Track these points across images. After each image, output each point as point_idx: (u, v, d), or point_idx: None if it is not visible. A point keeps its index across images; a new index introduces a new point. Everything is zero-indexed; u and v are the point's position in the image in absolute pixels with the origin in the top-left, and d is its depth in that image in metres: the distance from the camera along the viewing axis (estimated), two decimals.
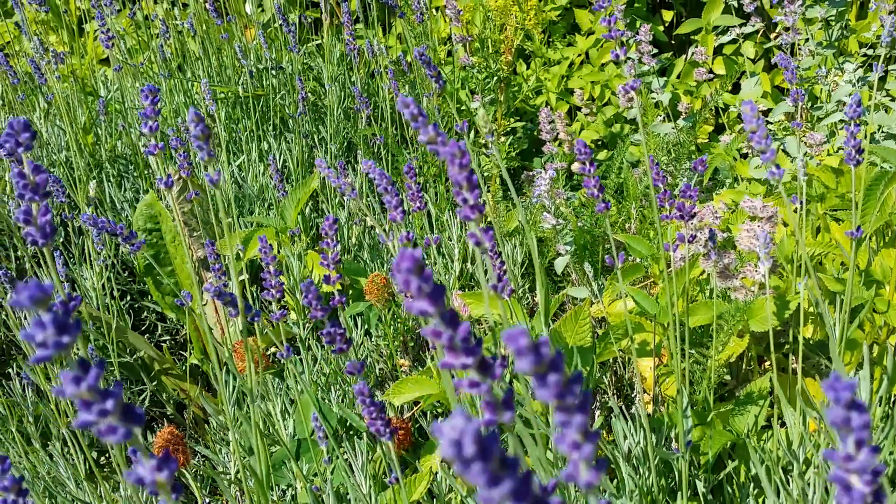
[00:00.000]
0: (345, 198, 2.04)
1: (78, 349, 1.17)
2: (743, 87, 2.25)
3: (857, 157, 1.00)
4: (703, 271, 1.41)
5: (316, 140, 2.36)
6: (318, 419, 1.11)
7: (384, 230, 1.78)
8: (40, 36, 2.67)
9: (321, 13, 2.58)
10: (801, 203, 1.17)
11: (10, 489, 0.66)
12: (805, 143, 1.72)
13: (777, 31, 1.97)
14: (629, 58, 1.00)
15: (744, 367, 1.53)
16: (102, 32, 2.04)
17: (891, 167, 1.44)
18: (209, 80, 2.44)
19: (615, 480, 1.23)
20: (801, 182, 0.96)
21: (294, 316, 1.79)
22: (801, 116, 1.81)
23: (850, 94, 1.72)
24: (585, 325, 1.35)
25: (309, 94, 2.42)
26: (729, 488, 1.22)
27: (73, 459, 1.57)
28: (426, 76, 2.35)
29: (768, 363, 1.56)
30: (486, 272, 0.80)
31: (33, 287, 0.42)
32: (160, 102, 1.07)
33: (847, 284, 1.10)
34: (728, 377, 1.50)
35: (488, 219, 1.81)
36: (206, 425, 1.74)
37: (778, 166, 0.80)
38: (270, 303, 1.95)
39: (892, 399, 1.19)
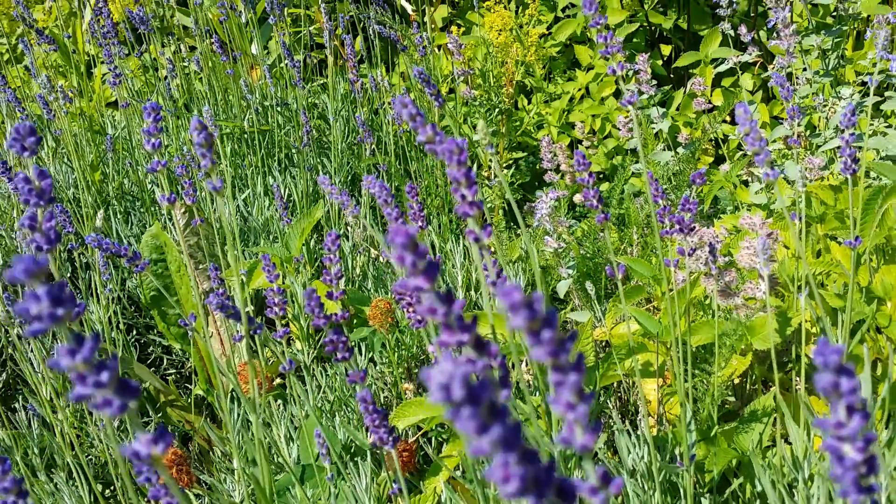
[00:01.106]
0: (349, 228, 2.05)
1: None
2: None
3: (853, 166, 1.01)
4: (705, 291, 1.42)
5: (321, 173, 2.39)
6: (321, 436, 1.11)
7: (388, 248, 1.79)
8: (50, 79, 2.71)
9: (326, 54, 2.61)
10: (801, 218, 1.18)
11: (11, 490, 0.66)
12: (804, 167, 1.73)
13: (774, 62, 2.00)
14: (628, 89, 1.02)
15: (748, 388, 1.53)
16: (110, 69, 2.08)
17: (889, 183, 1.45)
18: (215, 118, 2.47)
19: (619, 497, 1.22)
20: (800, 191, 0.97)
21: (299, 345, 1.80)
22: (797, 134, 1.83)
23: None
24: (587, 345, 1.36)
25: (314, 131, 2.45)
26: None
27: (78, 491, 1.56)
28: (428, 108, 2.38)
29: (773, 386, 1.55)
30: (485, 271, 0.81)
31: (28, 260, 0.42)
32: (162, 120, 1.09)
33: (847, 299, 1.10)
34: (732, 399, 1.50)
35: (492, 249, 1.82)
36: (210, 455, 1.74)
37: (773, 167, 0.81)
38: (274, 322, 1.95)
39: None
